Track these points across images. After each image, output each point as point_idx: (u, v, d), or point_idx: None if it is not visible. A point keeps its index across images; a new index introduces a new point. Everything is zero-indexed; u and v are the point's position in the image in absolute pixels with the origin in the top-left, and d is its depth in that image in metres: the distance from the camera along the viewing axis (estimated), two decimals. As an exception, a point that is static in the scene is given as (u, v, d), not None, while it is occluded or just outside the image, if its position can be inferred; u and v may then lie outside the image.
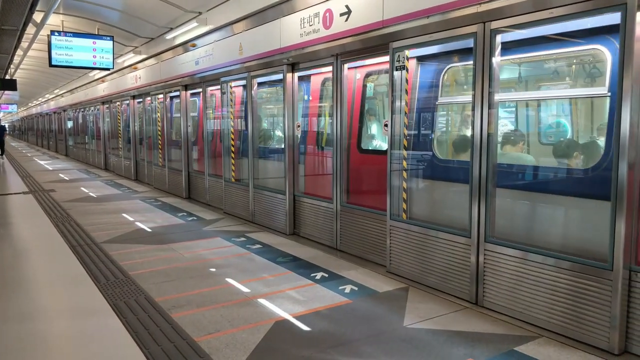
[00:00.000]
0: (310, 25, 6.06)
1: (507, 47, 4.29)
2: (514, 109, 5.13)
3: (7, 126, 32.16)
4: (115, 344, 3.65)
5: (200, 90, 10.19)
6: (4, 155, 23.88)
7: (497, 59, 4.16)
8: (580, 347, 3.59)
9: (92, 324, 4.03)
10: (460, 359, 3.41)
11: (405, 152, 5.27)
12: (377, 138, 6.39)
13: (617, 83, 3.35)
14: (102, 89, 17.37)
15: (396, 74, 5.14)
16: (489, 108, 4.18)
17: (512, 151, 4.73)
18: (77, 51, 11.00)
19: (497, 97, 4.23)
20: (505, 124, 5.30)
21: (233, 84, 8.69)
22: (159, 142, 12.28)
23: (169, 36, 10.48)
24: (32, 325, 3.97)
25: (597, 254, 3.66)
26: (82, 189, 12.44)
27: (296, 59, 6.66)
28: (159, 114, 12.21)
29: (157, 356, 3.42)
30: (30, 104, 42.35)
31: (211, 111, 9.96)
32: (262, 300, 4.51)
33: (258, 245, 6.53)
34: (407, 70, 5.13)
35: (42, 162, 21.29)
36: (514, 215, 4.55)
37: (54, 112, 29.31)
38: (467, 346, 3.60)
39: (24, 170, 16.89)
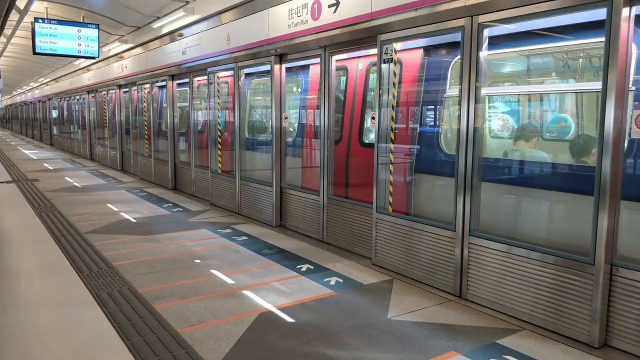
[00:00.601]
0: (298, 16, 6.01)
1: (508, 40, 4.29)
2: (514, 103, 5.20)
3: None
4: (97, 335, 3.61)
5: (187, 80, 10.09)
6: None
7: (484, 53, 4.16)
8: (561, 340, 3.63)
9: (74, 315, 3.99)
10: (443, 351, 3.43)
11: (392, 146, 5.26)
12: None
13: (602, 79, 3.37)
14: (87, 78, 17.12)
15: (384, 66, 5.12)
16: (475, 102, 4.19)
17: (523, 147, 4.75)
18: (61, 39, 10.80)
19: (484, 91, 4.24)
20: (502, 119, 5.36)
21: (221, 74, 8.61)
22: (145, 132, 12.15)
23: (155, 25, 10.34)
24: (12, 315, 3.92)
25: (580, 248, 3.70)
26: (67, 178, 12.29)
27: (284, 50, 6.61)
28: (145, 104, 12.07)
29: (140, 347, 3.39)
30: (14, 92, 41.64)
31: (198, 102, 9.87)
32: (246, 292, 4.49)
33: (244, 237, 6.50)
34: (394, 63, 5.12)
35: (26, 152, 20.99)
36: (500, 209, 4.59)
37: (39, 101, 28.86)
38: (449, 339, 3.62)
39: (7, 160, 16.63)
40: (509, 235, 4.23)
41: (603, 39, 3.35)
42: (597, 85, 3.47)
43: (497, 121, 5.73)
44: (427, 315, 4.04)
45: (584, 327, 3.56)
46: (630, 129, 3.37)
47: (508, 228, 4.41)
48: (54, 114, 25.11)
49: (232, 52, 7.59)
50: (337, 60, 6.14)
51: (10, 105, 47.18)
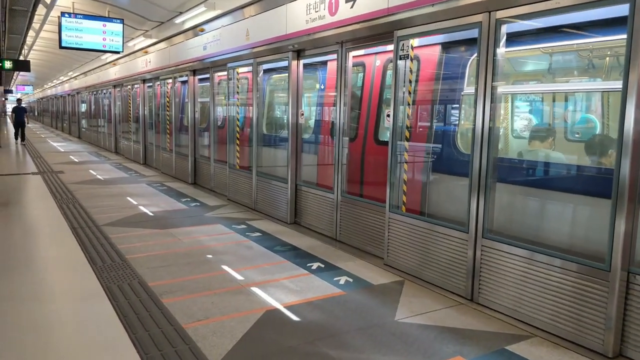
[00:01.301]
0: (315, 12, 5.95)
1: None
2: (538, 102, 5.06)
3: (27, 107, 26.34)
4: (103, 328, 3.64)
5: (208, 75, 10.14)
6: (24, 142, 20.33)
7: (501, 51, 4.04)
8: (573, 348, 3.51)
9: (83, 307, 4.04)
10: (449, 356, 3.34)
11: (407, 144, 5.17)
12: None
13: (622, 77, 3.22)
14: (113, 73, 17.41)
15: (400, 63, 5.03)
16: (492, 101, 4.07)
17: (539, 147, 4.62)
18: (87, 33, 11.00)
19: (501, 89, 4.11)
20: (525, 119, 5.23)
21: (241, 70, 8.62)
22: (168, 127, 12.28)
23: (178, 20, 10.43)
24: (21, 306, 3.99)
25: (596, 253, 3.56)
26: (91, 171, 12.52)
27: (301, 46, 6.56)
28: (167, 99, 12.20)
29: (144, 341, 3.41)
30: (45, 86, 42.74)
31: (217, 97, 9.91)
32: (255, 289, 4.48)
33: (258, 233, 6.50)
34: (411, 60, 5.02)
35: (54, 144, 21.49)
36: (516, 212, 4.46)
37: (68, 95, 29.52)
38: (457, 343, 3.53)
39: (35, 152, 17.06)
40: (523, 238, 4.10)
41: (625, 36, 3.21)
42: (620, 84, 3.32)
43: (519, 121, 5.59)
44: (435, 318, 3.95)
45: (598, 336, 3.43)
46: (652, 130, 3.21)
47: (523, 231, 4.28)
48: (82, 107, 25.65)
49: (250, 48, 7.58)
50: (354, 57, 6.07)
51: (41, 99, 48.44)
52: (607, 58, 4.64)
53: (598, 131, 4.67)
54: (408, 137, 5.16)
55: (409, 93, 5.12)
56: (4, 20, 11.28)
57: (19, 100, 22.34)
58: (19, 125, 20.26)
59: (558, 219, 4.18)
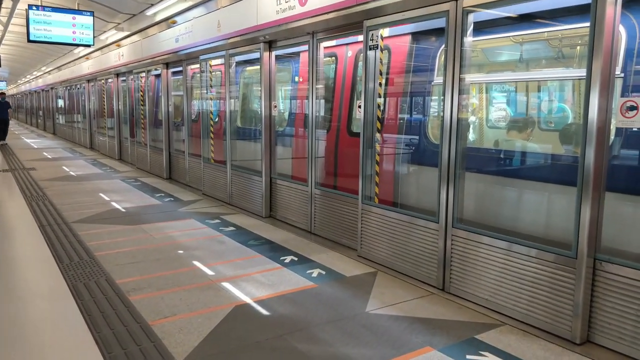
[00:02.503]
0: (286, 2, 5.86)
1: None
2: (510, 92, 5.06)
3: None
4: (66, 327, 3.55)
5: (180, 68, 9.97)
6: (5, 141, 18.13)
7: (469, 40, 4.01)
8: (542, 335, 3.52)
9: (46, 306, 3.93)
10: (418, 347, 3.33)
11: (378, 135, 5.13)
12: None
13: (586, 67, 3.22)
14: (86, 67, 17.04)
15: (370, 53, 4.98)
16: (460, 92, 4.04)
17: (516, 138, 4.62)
18: (56, 26, 10.71)
19: (469, 79, 4.09)
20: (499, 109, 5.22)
21: (214, 62, 8.48)
22: (142, 121, 12.06)
23: (149, 12, 10.21)
24: (-17, 306, 3.86)
25: (566, 241, 3.58)
26: (64, 167, 12.26)
27: (272, 37, 6.47)
28: (141, 93, 11.98)
29: (107, 340, 3.32)
30: (19, 82, 41.71)
31: (191, 90, 9.75)
32: (225, 284, 4.41)
33: (231, 228, 6.42)
34: (381, 50, 4.97)
35: (28, 141, 21.01)
36: (486, 201, 4.47)
37: (42, 90, 28.87)
38: (427, 333, 3.52)
39: (8, 148, 16.64)
40: (495, 227, 4.10)
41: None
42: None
43: (494, 112, 5.59)
44: (406, 308, 3.94)
45: (565, 323, 3.45)
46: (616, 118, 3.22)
47: (495, 221, 4.28)
48: (57, 103, 25.09)
49: (222, 39, 7.45)
50: (325, 48, 6.00)
51: (15, 95, 47.31)
52: (578, 47, 4.66)
53: (570, 120, 4.69)
54: (380, 128, 5.12)
55: (379, 84, 5.08)
56: (-31, 13, 10.92)
57: (1, 94, 18.73)
58: (2, 123, 17.78)
59: (530, 208, 4.19)
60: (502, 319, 3.77)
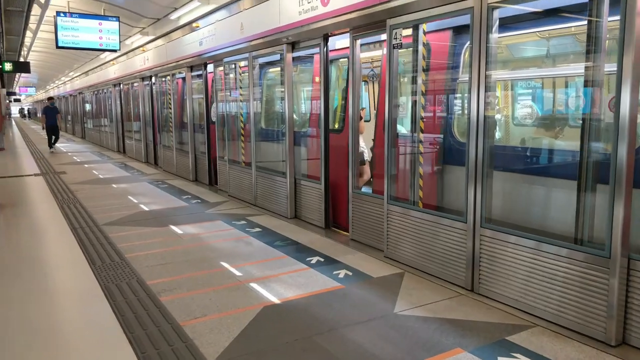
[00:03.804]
0: (308, 3, 5.88)
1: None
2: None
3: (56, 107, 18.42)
4: (101, 327, 3.63)
5: (207, 70, 10.08)
6: (55, 146, 17.73)
7: (495, 36, 3.96)
8: (576, 337, 3.45)
9: (81, 307, 4.03)
10: (448, 348, 3.30)
11: (421, 135, 5.08)
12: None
13: (617, 62, 3.14)
14: (113, 72, 17.39)
15: (393, 52, 4.95)
16: (486, 89, 3.99)
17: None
18: (83, 32, 10.97)
19: (495, 77, 4.04)
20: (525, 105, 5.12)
21: (233, 65, 8.56)
22: (169, 124, 12.26)
23: (173, 16, 10.38)
24: (19, 307, 3.98)
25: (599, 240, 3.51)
26: (93, 171, 12.54)
27: (295, 38, 6.50)
28: (166, 96, 12.17)
29: (140, 340, 3.39)
30: (47, 87, 42.82)
31: (215, 93, 9.86)
32: (253, 285, 4.45)
33: (257, 229, 6.47)
34: (423, 45, 4.84)
35: (57, 145, 21.51)
36: (515, 200, 4.40)
37: (70, 95, 29.56)
38: (457, 335, 3.49)
39: (38, 153, 17.10)
40: (521, 226, 4.04)
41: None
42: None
43: (520, 108, 5.50)
44: (435, 310, 3.91)
45: (600, 324, 3.38)
46: (651, 113, 3.14)
47: (522, 219, 4.22)
48: (85, 107, 25.66)
49: (246, 42, 7.51)
50: (346, 48, 5.98)
51: (44, 100, 48.57)
52: (607, 41, 4.55)
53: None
54: (422, 128, 5.02)
55: (417, 82, 5.02)
56: (1, 22, 11.26)
57: (50, 99, 18.06)
58: (52, 130, 17.06)
59: (560, 206, 4.11)
60: (533, 320, 3.72)
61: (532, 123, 5.22)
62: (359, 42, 5.63)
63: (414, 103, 5.03)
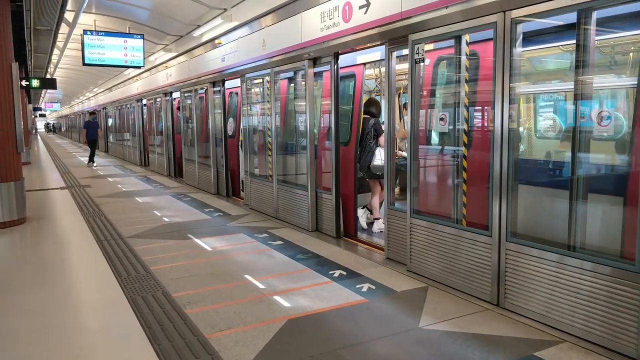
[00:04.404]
0: (330, 19, 5.96)
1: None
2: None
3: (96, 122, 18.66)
4: (128, 338, 3.69)
5: (228, 87, 10.26)
6: (93, 162, 17.66)
7: (517, 50, 3.97)
8: (606, 354, 3.39)
9: (108, 318, 4.10)
10: (475, 364, 3.27)
11: (464, 149, 5.07)
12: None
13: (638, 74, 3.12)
14: (136, 87, 17.76)
15: (415, 66, 4.98)
16: (510, 102, 3.99)
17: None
18: (109, 50, 11.25)
19: (519, 90, 4.03)
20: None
21: (258, 81, 8.69)
22: (189, 138, 12.44)
23: (196, 33, 10.59)
24: (47, 319, 4.07)
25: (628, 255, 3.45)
26: (116, 184, 12.76)
27: (317, 54, 6.58)
28: (188, 111, 12.37)
29: (167, 352, 3.43)
30: (72, 102, 43.86)
31: (229, 108, 10.01)
32: (277, 298, 4.48)
33: (279, 242, 6.51)
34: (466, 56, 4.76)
35: (82, 159, 21.96)
36: (540, 213, 4.36)
37: (94, 110, 30.19)
38: (483, 350, 3.45)
39: (64, 167, 17.48)
40: (547, 240, 4.00)
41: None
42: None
43: (543, 121, 5.45)
44: (461, 324, 3.88)
45: (630, 340, 3.31)
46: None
47: (547, 233, 4.18)
48: (108, 122, 26.17)
49: (268, 58, 7.63)
50: (353, 66, 6.06)
51: (69, 115, 49.70)
52: (631, 54, 4.51)
53: (625, 129, 4.53)
54: (466, 141, 4.95)
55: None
56: (30, 40, 11.62)
57: (92, 114, 18.23)
58: (92, 144, 17.23)
59: (586, 220, 4.06)
60: (562, 335, 3.66)
61: (555, 136, 5.18)
62: (394, 54, 5.51)
63: (456, 115, 4.93)
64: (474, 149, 4.74)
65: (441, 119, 5.07)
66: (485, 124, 4.72)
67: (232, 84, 10.53)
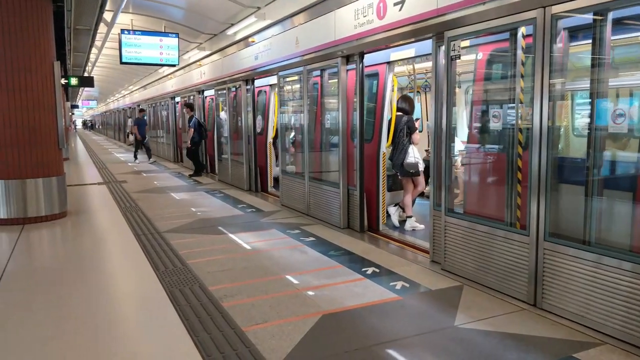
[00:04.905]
0: (364, 17, 5.97)
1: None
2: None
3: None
4: (167, 330, 3.79)
5: (258, 85, 10.37)
6: (138, 158, 18.18)
7: (558, 46, 3.89)
8: (648, 356, 3.32)
9: (148, 311, 4.23)
10: (512, 363, 3.25)
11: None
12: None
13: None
14: (170, 85, 18.11)
15: (451, 63, 4.94)
16: (549, 100, 3.93)
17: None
18: (145, 48, 11.52)
19: (560, 87, 3.96)
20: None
21: (291, 78, 8.76)
22: (222, 135, 12.62)
23: (230, 32, 10.74)
24: (90, 310, 4.22)
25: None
26: (151, 180, 13.06)
27: (350, 51, 6.59)
28: (221, 109, 12.55)
29: (205, 344, 3.52)
30: (108, 100, 45.03)
31: (264, 105, 10.12)
32: (311, 293, 4.53)
33: (312, 238, 6.56)
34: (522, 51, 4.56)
35: (118, 155, 22.55)
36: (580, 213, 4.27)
37: (129, 108, 30.93)
38: (520, 350, 3.42)
39: (100, 162, 17.99)
40: (587, 240, 3.92)
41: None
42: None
43: (581, 119, 5.32)
44: (497, 324, 3.85)
45: (675, 344, 3.23)
46: None
47: (588, 233, 4.09)
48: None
49: (301, 55, 7.68)
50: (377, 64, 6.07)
51: (105, 112, 51.06)
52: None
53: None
54: (521, 141, 4.86)
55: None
56: (69, 40, 11.99)
57: (142, 111, 18.70)
58: (143, 141, 17.70)
59: (628, 221, 3.97)
60: (602, 337, 3.59)
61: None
62: (442, 48, 5.22)
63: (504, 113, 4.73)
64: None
65: (494, 116, 4.86)
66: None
67: (260, 82, 10.67)
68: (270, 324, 3.87)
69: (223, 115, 12.57)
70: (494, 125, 4.82)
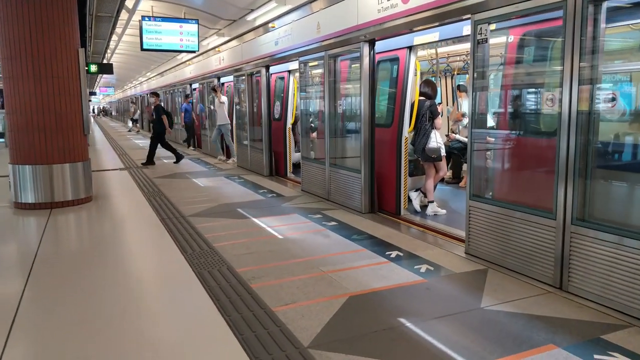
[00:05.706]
0: (388, 0, 5.94)
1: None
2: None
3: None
4: (200, 310, 3.90)
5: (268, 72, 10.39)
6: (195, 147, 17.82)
7: (589, 29, 3.86)
8: (677, 339, 3.33)
9: (179, 292, 4.33)
10: (540, 344, 3.28)
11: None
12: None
13: None
14: (189, 71, 18.19)
15: (479, 47, 4.92)
16: (579, 84, 3.90)
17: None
18: (165, 35, 11.60)
19: (591, 71, 3.93)
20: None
21: (311, 63, 8.76)
22: (241, 121, 12.70)
23: (249, 17, 10.75)
24: (123, 291, 4.35)
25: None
26: (171, 166, 13.22)
27: (373, 36, 6.57)
28: (240, 95, 12.60)
29: (237, 323, 3.61)
30: (125, 87, 45.38)
31: (281, 91, 10.15)
32: (336, 275, 4.60)
33: (334, 223, 6.63)
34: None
35: (136, 141, 22.78)
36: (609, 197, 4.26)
37: (146, 94, 31.17)
38: (548, 331, 3.46)
39: (120, 149, 18.22)
40: (616, 225, 3.92)
41: None
42: None
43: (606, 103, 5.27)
44: (523, 306, 3.88)
45: None
46: None
47: (616, 217, 4.08)
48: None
49: (322, 41, 7.68)
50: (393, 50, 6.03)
51: (122, 99, 51.48)
52: None
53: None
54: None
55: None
56: (91, 27, 12.11)
57: (187, 97, 17.63)
58: (190, 128, 17.29)
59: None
60: (629, 320, 3.61)
61: (619, 118, 5.00)
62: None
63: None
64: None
65: (549, 99, 4.70)
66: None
67: (277, 68, 10.68)
68: (298, 304, 3.96)
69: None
70: (549, 108, 4.59)
